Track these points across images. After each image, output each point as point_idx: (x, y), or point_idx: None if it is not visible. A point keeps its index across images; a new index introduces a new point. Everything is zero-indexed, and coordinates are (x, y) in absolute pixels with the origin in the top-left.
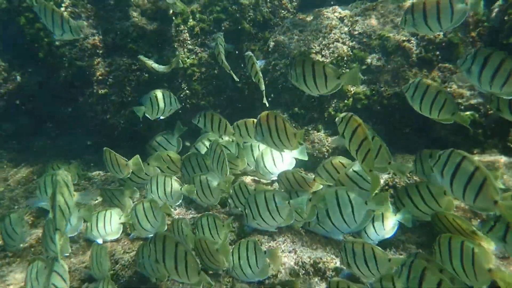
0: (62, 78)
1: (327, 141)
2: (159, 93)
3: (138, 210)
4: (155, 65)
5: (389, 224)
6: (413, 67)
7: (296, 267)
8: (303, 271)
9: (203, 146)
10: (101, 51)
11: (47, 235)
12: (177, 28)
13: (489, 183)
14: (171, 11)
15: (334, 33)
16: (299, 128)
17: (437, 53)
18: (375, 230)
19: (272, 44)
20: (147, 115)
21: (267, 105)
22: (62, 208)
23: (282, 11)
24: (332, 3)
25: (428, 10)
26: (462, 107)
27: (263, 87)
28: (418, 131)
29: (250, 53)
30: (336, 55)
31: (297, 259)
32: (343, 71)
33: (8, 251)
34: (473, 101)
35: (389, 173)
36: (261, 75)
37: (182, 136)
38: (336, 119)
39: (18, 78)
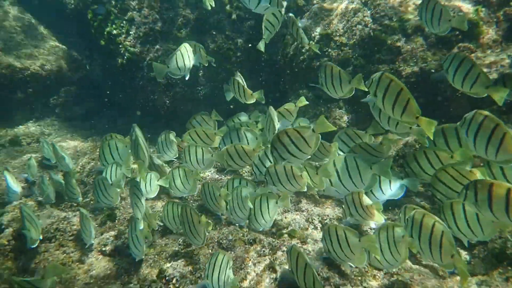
0: (119, 64)
1: (347, 116)
2: (183, 49)
3: (174, 175)
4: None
5: (395, 187)
6: (432, 47)
7: (306, 223)
8: (312, 226)
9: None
10: (150, 38)
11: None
12: (216, 16)
13: (508, 138)
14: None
15: (357, 16)
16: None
17: (456, 33)
18: (382, 192)
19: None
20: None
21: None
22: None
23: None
24: None
25: None
26: None
27: (306, 41)
28: (435, 109)
29: (291, 14)
30: (358, 37)
31: (307, 216)
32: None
33: (71, 202)
34: None
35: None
36: (302, 31)
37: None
38: (367, 82)
39: (87, 67)
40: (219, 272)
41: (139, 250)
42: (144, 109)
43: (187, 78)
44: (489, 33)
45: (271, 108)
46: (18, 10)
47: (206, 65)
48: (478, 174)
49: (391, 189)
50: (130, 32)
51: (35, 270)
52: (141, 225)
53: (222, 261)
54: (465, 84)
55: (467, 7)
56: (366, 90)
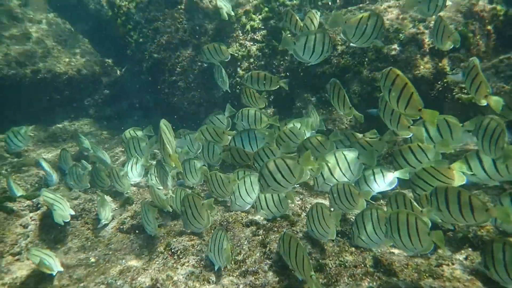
0: (144, 68)
1: (346, 119)
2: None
3: (185, 167)
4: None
5: (388, 179)
6: (425, 56)
7: (299, 210)
8: (304, 213)
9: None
10: (172, 46)
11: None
12: (232, 26)
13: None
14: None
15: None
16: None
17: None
18: (377, 184)
19: None
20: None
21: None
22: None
23: (325, 11)
24: (367, 2)
25: None
26: (465, 91)
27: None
28: None
29: (288, 8)
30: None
31: (301, 204)
32: None
33: (99, 189)
34: None
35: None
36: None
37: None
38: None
39: (118, 72)
40: (218, 245)
41: (152, 227)
42: (165, 110)
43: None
44: (479, 44)
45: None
46: (61, 21)
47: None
48: (454, 172)
49: (385, 181)
50: (155, 40)
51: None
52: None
53: (221, 236)
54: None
55: (460, 19)
56: None
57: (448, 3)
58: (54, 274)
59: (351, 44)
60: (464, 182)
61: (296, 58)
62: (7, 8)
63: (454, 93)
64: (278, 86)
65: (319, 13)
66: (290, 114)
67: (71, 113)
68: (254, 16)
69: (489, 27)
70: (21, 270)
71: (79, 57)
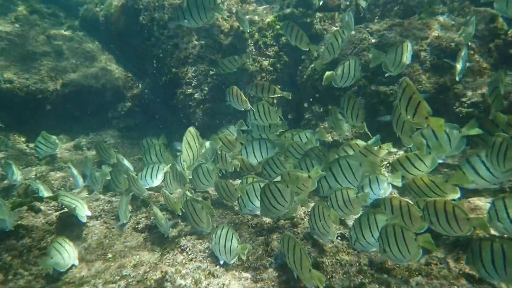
0: (163, 82)
1: (349, 131)
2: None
3: (198, 171)
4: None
5: (384, 185)
6: (427, 72)
7: (303, 214)
8: (307, 217)
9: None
10: (189, 60)
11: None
12: (245, 42)
13: None
14: (241, 29)
15: (363, 44)
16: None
17: (449, 60)
18: (372, 191)
19: (315, 54)
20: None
21: None
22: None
23: (334, 27)
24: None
25: None
26: (465, 105)
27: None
28: None
29: (287, 21)
30: (363, 61)
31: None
32: None
33: (116, 192)
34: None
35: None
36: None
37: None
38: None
39: (140, 85)
40: (225, 240)
41: (165, 228)
42: (181, 121)
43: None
44: (479, 61)
45: None
46: (89, 39)
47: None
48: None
49: (380, 188)
50: (173, 55)
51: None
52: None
53: (227, 232)
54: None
55: (460, 39)
56: None
57: (451, 22)
58: (84, 221)
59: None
60: (458, 196)
61: (385, 70)
62: (41, 27)
63: (454, 107)
64: (280, 95)
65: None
66: (299, 126)
67: (95, 124)
68: (267, 33)
69: (490, 45)
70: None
71: (105, 72)
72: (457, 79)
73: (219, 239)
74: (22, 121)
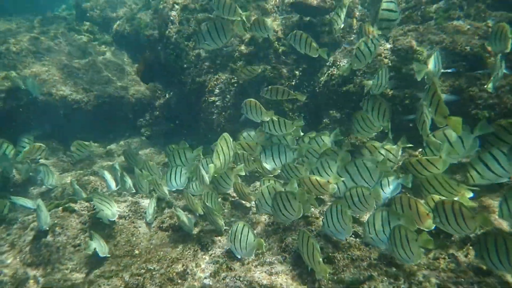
0: (187, 91)
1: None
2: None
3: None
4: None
5: (393, 185)
6: (442, 75)
7: (318, 214)
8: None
9: None
10: (212, 70)
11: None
12: (265, 51)
13: None
14: (260, 39)
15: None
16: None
17: (464, 63)
18: (383, 190)
19: (331, 60)
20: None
21: None
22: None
23: (352, 35)
24: None
25: None
26: (481, 107)
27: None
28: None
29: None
30: (378, 66)
31: (321, 209)
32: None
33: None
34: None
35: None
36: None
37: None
38: None
39: (167, 95)
40: (241, 235)
41: (189, 227)
42: (205, 127)
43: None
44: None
45: None
46: (119, 53)
47: None
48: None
49: (390, 187)
50: (197, 66)
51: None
52: None
53: (242, 228)
54: None
55: (475, 42)
56: None
57: (467, 26)
58: (114, 219)
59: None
60: (471, 196)
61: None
62: (80, 43)
63: (470, 109)
64: (294, 97)
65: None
66: (317, 130)
67: (125, 132)
68: (285, 41)
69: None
70: (80, 258)
71: (134, 83)
72: (491, 90)
73: (235, 235)
74: (59, 130)
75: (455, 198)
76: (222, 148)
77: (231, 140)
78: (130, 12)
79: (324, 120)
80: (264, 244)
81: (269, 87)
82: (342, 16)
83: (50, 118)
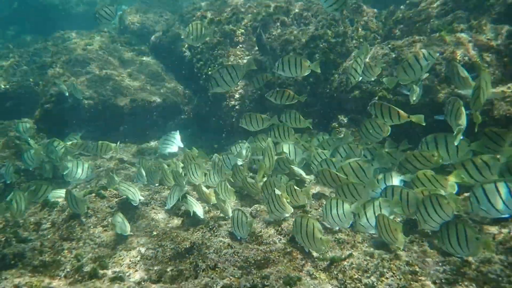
0: (211, 96)
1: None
2: None
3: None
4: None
5: (396, 181)
6: (442, 83)
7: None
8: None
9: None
10: None
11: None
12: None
13: None
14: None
15: (383, 59)
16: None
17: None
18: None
19: (342, 68)
20: None
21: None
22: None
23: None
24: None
25: None
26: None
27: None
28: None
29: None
30: (384, 75)
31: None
32: None
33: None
34: None
35: None
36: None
37: None
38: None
39: (195, 101)
40: (237, 219)
41: (199, 214)
42: (227, 129)
43: None
44: (495, 74)
45: None
46: (154, 62)
47: None
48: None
49: (392, 182)
50: None
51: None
52: None
53: (237, 214)
54: None
55: (473, 53)
56: None
57: (468, 38)
58: (136, 204)
59: None
60: (455, 191)
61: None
62: (121, 54)
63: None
64: (296, 100)
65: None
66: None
67: (157, 134)
68: (301, 51)
69: (505, 59)
70: (107, 236)
71: (166, 90)
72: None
73: (234, 219)
74: (100, 132)
75: (442, 192)
76: (268, 153)
77: (274, 145)
78: (166, 25)
79: (333, 124)
80: (253, 224)
81: (275, 90)
82: (361, 66)
83: (90, 120)
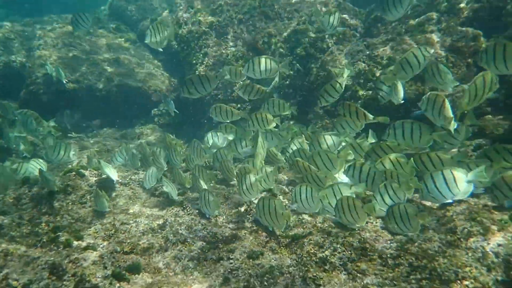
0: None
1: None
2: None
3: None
4: None
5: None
6: (410, 80)
7: (286, 189)
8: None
9: None
10: (216, 66)
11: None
12: (265, 52)
13: None
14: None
15: (358, 55)
16: None
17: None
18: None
19: (320, 62)
20: None
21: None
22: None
23: (344, 42)
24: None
25: None
26: None
27: None
28: None
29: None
30: (357, 69)
31: (290, 188)
32: None
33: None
34: None
35: None
36: None
37: None
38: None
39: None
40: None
41: (173, 195)
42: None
43: None
44: (458, 74)
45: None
46: (142, 49)
47: None
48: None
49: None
50: (203, 62)
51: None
52: None
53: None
54: None
55: (441, 52)
56: None
57: (437, 39)
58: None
59: None
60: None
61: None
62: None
63: None
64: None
65: None
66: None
67: (141, 119)
68: (283, 45)
69: (469, 60)
70: (84, 212)
71: (151, 77)
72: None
73: (202, 199)
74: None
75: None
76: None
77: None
78: (155, 14)
79: (309, 116)
80: (219, 204)
81: (244, 84)
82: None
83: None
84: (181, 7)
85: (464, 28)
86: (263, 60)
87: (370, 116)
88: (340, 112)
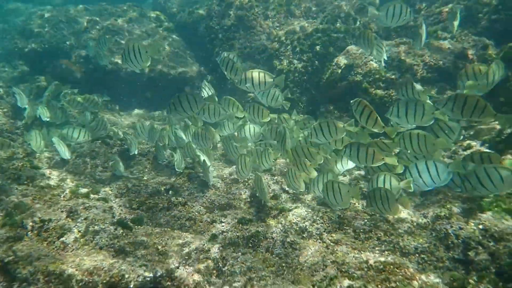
0: (219, 74)
1: None
2: None
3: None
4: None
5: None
6: (417, 82)
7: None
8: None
9: None
10: (240, 58)
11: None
12: (286, 47)
13: None
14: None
15: (365, 57)
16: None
17: (435, 74)
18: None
19: (336, 60)
20: None
21: None
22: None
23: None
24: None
25: None
26: None
27: None
28: None
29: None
30: (368, 70)
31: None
32: None
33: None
34: None
35: None
36: None
37: None
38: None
39: (209, 77)
40: (205, 168)
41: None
42: None
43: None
44: None
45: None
46: (178, 39)
47: None
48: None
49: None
50: (225, 49)
51: (133, 166)
52: None
53: (204, 164)
54: None
55: (450, 59)
56: None
57: (448, 46)
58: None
59: None
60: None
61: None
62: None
63: None
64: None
65: None
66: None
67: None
68: (304, 42)
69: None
70: (106, 176)
71: (183, 65)
72: None
73: (205, 168)
74: (119, 95)
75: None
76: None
77: None
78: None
79: (321, 109)
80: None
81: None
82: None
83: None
84: (214, 1)
85: (478, 38)
86: (256, 73)
87: (381, 124)
88: (353, 108)
